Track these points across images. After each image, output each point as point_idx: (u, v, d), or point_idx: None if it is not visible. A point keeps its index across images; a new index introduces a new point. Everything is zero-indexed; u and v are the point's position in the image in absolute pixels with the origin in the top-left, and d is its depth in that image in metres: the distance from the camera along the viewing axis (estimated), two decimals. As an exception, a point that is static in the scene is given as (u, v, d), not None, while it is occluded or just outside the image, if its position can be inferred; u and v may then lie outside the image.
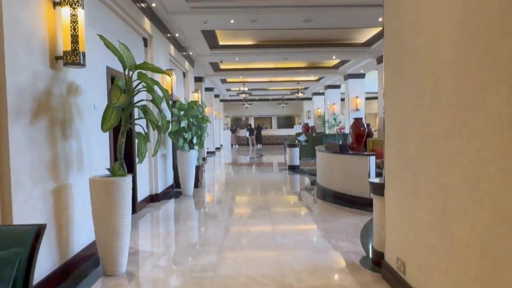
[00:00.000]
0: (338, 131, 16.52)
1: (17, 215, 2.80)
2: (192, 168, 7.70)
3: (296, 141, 15.10)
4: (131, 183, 3.55)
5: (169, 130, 7.22)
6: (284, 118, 30.69)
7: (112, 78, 5.05)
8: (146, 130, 3.76)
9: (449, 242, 2.25)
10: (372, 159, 6.24)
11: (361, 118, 10.92)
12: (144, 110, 3.69)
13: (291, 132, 25.54)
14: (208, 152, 16.97)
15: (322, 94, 20.59)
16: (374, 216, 3.75)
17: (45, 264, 3.16)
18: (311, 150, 14.11)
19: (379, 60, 11.60)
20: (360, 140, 10.79)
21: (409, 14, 2.77)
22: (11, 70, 2.77)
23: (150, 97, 3.80)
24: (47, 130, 3.23)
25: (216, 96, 21.42)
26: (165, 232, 5.35)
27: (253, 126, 27.42)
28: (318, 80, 18.13)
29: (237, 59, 12.07)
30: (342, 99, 17.76)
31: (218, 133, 21.44)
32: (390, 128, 3.22)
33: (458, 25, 2.12)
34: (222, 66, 13.90)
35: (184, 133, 7.53)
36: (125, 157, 4.44)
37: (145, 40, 6.84)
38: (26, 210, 2.92)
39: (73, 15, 3.28)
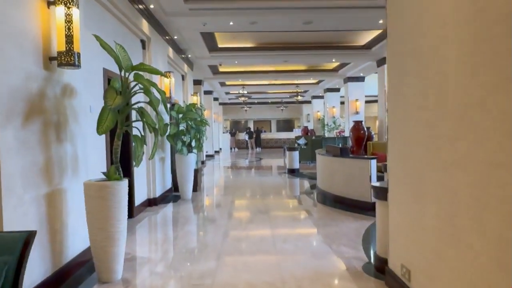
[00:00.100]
0: (338, 134, 16.44)
1: (7, 221, 2.69)
2: (190, 172, 7.60)
3: (296, 144, 15.02)
4: (127, 188, 3.45)
5: (167, 133, 7.13)
6: (283, 122, 30.61)
7: (109, 80, 4.96)
8: (142, 133, 3.66)
9: (457, 249, 2.15)
10: (374, 162, 6.15)
11: (361, 121, 10.85)
12: (141, 112, 3.60)
13: (291, 135, 25.48)
14: (207, 156, 16.87)
15: (322, 97, 20.52)
16: (377, 221, 3.66)
17: (37, 271, 3.05)
18: (310, 153, 14.03)
19: (379, 63, 11.54)
20: (360, 143, 10.73)
21: (413, 14, 2.69)
22: (2, 70, 2.67)
23: (148, 99, 3.70)
24: (40, 133, 3.13)
25: (215, 99, 21.36)
26: (163, 237, 5.24)
27: (252, 130, 27.34)
28: (318, 83, 18.07)
29: (236, 62, 11.99)
30: (342, 102, 17.70)
31: (217, 136, 21.36)
32: (394, 130, 3.13)
33: (465, 24, 2.04)
34: (221, 69, 13.83)
35: (182, 136, 7.43)
36: (122, 161, 4.35)
37: (143, 42, 6.76)
38: (17, 216, 2.82)
39: (67, 14, 3.19)
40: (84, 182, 3.39)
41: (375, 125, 21.79)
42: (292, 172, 11.55)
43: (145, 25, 6.51)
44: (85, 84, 4.05)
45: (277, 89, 20.80)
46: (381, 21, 7.79)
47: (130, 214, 5.77)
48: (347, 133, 14.82)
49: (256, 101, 25.80)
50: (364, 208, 6.08)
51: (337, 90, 18.14)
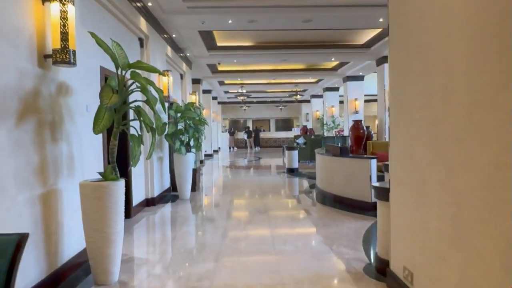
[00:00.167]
0: (337, 133, 16.39)
1: (0, 223, 2.62)
2: (189, 171, 7.53)
3: (295, 144, 14.97)
4: (123, 188, 3.39)
5: (165, 132, 7.06)
6: (282, 121, 30.54)
7: (106, 78, 4.89)
8: (139, 132, 3.59)
9: (462, 252, 2.09)
10: (374, 162, 6.09)
11: (361, 121, 10.80)
12: (138, 111, 3.53)
13: (290, 134, 25.42)
14: (206, 155, 16.81)
15: (321, 96, 20.46)
16: (378, 222, 3.60)
17: (32, 273, 2.99)
18: (309, 152, 13.97)
19: (379, 62, 11.48)
20: (359, 142, 10.68)
21: (417, 10, 2.62)
22: (-6, 68, 2.61)
23: (145, 98, 3.64)
24: (35, 132, 3.06)
25: (214, 98, 21.29)
26: (161, 237, 5.17)
27: (251, 129, 27.28)
28: (317, 82, 18.01)
29: (235, 61, 11.92)
30: (341, 102, 17.63)
31: (216, 135, 21.28)
32: (396, 130, 3.07)
33: (471, 20, 1.98)
34: (220, 68, 13.76)
35: (181, 136, 7.36)
36: (119, 160, 4.28)
37: (141, 40, 6.68)
38: (11, 217, 2.75)
39: (62, 11, 3.11)
40: (80, 182, 3.32)
41: (374, 124, 21.76)
42: (291, 171, 11.49)
43: (143, 23, 6.43)
44: (81, 83, 3.98)
45: (276, 88, 20.74)
46: (381, 20, 7.73)
47: (128, 214, 5.72)
48: (346, 133, 14.77)
49: (255, 100, 25.73)
50: (364, 208, 6.03)
51: (336, 89, 18.08)
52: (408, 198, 2.81)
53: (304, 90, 20.98)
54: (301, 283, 3.34)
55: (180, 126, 7.43)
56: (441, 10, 2.28)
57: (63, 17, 3.12)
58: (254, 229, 5.37)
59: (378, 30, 9.22)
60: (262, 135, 27.48)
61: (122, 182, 3.36)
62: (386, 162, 6.23)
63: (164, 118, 7.37)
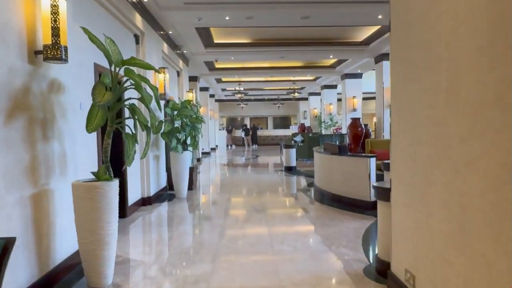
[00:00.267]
0: (335, 131, 16.32)
1: (-12, 225, 2.53)
2: (185, 170, 7.44)
3: (292, 142, 14.88)
4: (117, 188, 3.29)
5: (162, 131, 6.96)
6: (280, 119, 30.46)
7: (100, 75, 4.78)
8: (133, 131, 3.49)
9: (468, 257, 2.01)
10: (373, 161, 6.02)
11: (359, 119, 10.70)
12: (132, 109, 3.43)
13: (287, 132, 25.34)
14: (203, 153, 16.70)
15: (319, 94, 20.39)
16: (379, 223, 3.52)
17: (22, 277, 2.89)
18: (307, 150, 13.89)
19: (377, 59, 11.40)
20: (357, 140, 10.58)
21: (420, 5, 2.53)
22: (-19, 64, 2.50)
23: (139, 96, 3.53)
24: (25, 130, 2.96)
25: (211, 96, 21.16)
26: (157, 238, 5.08)
27: (248, 127, 27.17)
28: (315, 80, 17.92)
29: (232, 58, 11.81)
30: (339, 99, 17.56)
31: (213, 133, 21.18)
32: (398, 129, 2.98)
33: (479, 14, 1.89)
34: (217, 65, 13.64)
35: (177, 134, 7.26)
36: (115, 159, 4.19)
37: (136, 37, 6.56)
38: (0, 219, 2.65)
39: (53, 5, 3.01)
40: (72, 182, 3.23)
41: (371, 122, 21.71)
42: (289, 169, 11.41)
43: (138, 19, 6.32)
44: (75, 80, 3.87)
45: (273, 86, 20.65)
46: (380, 16, 7.64)
47: (123, 214, 5.62)
48: (344, 130, 14.69)
49: (252, 98, 25.64)
50: (363, 207, 5.96)
51: (334, 87, 17.99)
52: (411, 199, 2.73)
53: (302, 88, 20.90)
54: (300, 285, 3.27)
55: (177, 124, 7.33)
56: (446, 3, 2.20)
57: (54, 12, 3.02)
58: (251, 229, 5.29)
59: (377, 27, 9.14)
60: (260, 133, 27.39)
61: (115, 182, 3.26)
62: (386, 161, 6.15)
63: (160, 116, 7.27)
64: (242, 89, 18.53)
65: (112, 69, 3.32)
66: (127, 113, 4.91)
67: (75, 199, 3.17)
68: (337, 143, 11.89)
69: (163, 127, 6.93)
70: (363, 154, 7.42)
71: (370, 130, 12.11)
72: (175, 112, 7.25)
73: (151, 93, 3.58)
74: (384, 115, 11.35)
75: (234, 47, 10.52)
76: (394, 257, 3.06)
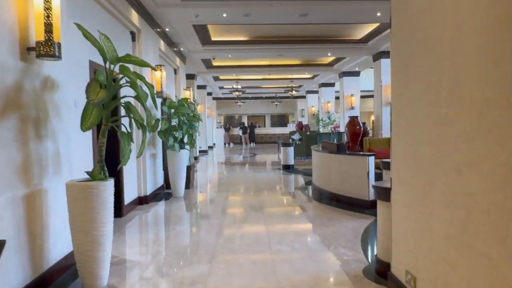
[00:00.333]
0: (333, 129, 16.29)
1: (-22, 227, 2.46)
2: (183, 169, 7.37)
3: (290, 140, 14.84)
4: (112, 188, 3.22)
5: (158, 129, 6.89)
6: (277, 117, 30.40)
7: (95, 73, 4.70)
8: (129, 130, 3.42)
9: (472, 259, 1.96)
10: (372, 159, 5.97)
11: (357, 117, 10.68)
12: (127, 107, 3.36)
13: (285, 130, 25.32)
14: (200, 151, 16.63)
15: (316, 92, 20.33)
16: (378, 223, 3.47)
17: (14, 279, 2.82)
18: (305, 149, 13.86)
19: (376, 57, 11.34)
20: (355, 139, 10.56)
21: (422, 0, 2.47)
22: (-29, 61, 2.43)
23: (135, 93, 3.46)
24: (17, 129, 2.88)
25: (209, 94, 21.08)
26: (154, 237, 5.02)
27: (246, 125, 27.11)
28: (313, 78, 17.86)
29: (230, 56, 11.72)
30: (337, 98, 17.51)
31: (210, 131, 21.10)
32: (398, 128, 2.93)
33: (486, 9, 1.83)
34: (214, 63, 13.56)
35: (174, 132, 7.19)
36: (111, 158, 4.12)
37: (133, 34, 6.48)
38: (-9, 220, 2.58)
39: (46, 1, 2.94)
40: (66, 182, 3.16)
41: (369, 120, 21.69)
42: (287, 168, 11.36)
43: (134, 16, 6.23)
44: (69, 77, 3.80)
45: (271, 84, 20.58)
46: (378, 14, 7.58)
47: (120, 213, 5.56)
48: (342, 129, 14.65)
49: (250, 96, 25.56)
50: (362, 206, 5.92)
51: (332, 85, 17.94)
52: (412, 199, 2.68)
53: (300, 86, 20.85)
54: (299, 287, 3.21)
55: (174, 122, 7.26)
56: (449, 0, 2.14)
57: (47, 8, 2.94)
58: (249, 229, 5.23)
59: (375, 25, 9.08)
60: (257, 131, 27.33)
61: (110, 182, 3.19)
62: (384, 160, 6.11)
63: (157, 114, 7.19)
64: (239, 87, 18.46)
65: (107, 66, 3.25)
66: (123, 111, 4.85)
67: (69, 199, 3.10)
68: (335, 141, 11.85)
69: (160, 126, 6.86)
70: (362, 153, 7.37)
71: (368, 129, 12.07)
72: (172, 110, 7.18)
73: (147, 91, 3.52)
74: (382, 113, 11.31)
75: (232, 44, 10.44)
76: (394, 258, 3.01)
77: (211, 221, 5.67)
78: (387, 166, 5.34)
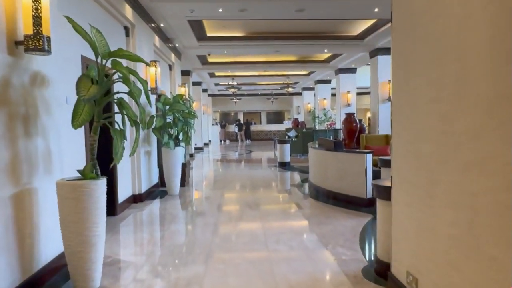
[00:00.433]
0: (329, 126, 16.23)
1: (-37, 228, 2.35)
2: (178, 166, 7.26)
3: (286, 137, 14.76)
4: (105, 187, 3.12)
5: (153, 126, 6.78)
6: (273, 113, 30.30)
7: (87, 68, 4.58)
8: (121, 127, 3.32)
9: (478, 262, 1.89)
10: (369, 157, 5.90)
11: (354, 114, 10.62)
12: (120, 103, 3.25)
13: (281, 127, 25.23)
14: (196, 148, 16.52)
15: (312, 89, 20.27)
16: (378, 222, 3.40)
17: (2, 281, 2.72)
18: (301, 146, 13.78)
19: (372, 54, 11.28)
20: (352, 136, 10.50)
21: (425, -7, 2.39)
22: (-46, 55, 2.31)
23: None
24: (5, 126, 2.77)
25: (204, 90, 20.93)
26: (148, 237, 4.92)
27: (242, 122, 26.99)
28: (309, 74, 17.78)
29: (225, 52, 11.60)
30: (333, 94, 17.46)
31: (206, 128, 20.98)
32: (399, 125, 2.85)
33: (493, 1, 1.75)
34: (210, 59, 13.43)
35: (169, 129, 7.09)
36: (104, 156, 4.01)
37: (126, 29, 6.35)
38: (-24, 221, 2.48)
39: (35, -7, 2.82)
40: (57, 181, 3.05)
41: (365, 117, 21.67)
42: (283, 165, 11.28)
43: (128, 10, 6.11)
44: (60, 73, 3.68)
45: (267, 81, 20.48)
46: (376, 9, 7.50)
47: (113, 212, 5.46)
48: (338, 126, 14.60)
49: (246, 92, 25.44)
50: (359, 204, 5.86)
51: (328, 81, 17.88)
52: (413, 198, 2.60)
53: (296, 83, 20.76)
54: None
55: (169, 119, 7.15)
56: (455, -8, 2.05)
57: (36, 0, 2.82)
58: (245, 228, 5.15)
59: (372, 21, 9.01)
60: (253, 128, 27.25)
61: (103, 181, 3.09)
62: (382, 157, 6.05)
63: (152, 111, 7.08)
64: (235, 83, 18.34)
65: (99, 61, 3.14)
66: (116, 108, 4.74)
67: (59, 198, 3.00)
68: (331, 138, 11.79)
69: (154, 123, 6.75)
70: (360, 150, 7.31)
71: (365, 126, 12.02)
72: (167, 107, 7.07)
73: (141, 87, 3.41)
74: (379, 110, 11.26)
75: (228, 40, 10.32)
76: (395, 258, 2.94)
77: (206, 219, 5.58)
78: (385, 163, 5.28)
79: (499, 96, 1.71)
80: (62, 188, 2.97)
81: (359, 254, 3.88)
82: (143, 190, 6.61)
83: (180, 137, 7.43)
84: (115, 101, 3.34)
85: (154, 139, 7.41)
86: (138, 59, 3.31)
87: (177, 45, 10.18)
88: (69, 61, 4.18)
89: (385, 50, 10.63)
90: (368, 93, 12.41)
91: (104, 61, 3.15)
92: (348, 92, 14.53)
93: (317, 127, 17.27)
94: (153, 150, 7.37)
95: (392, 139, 2.99)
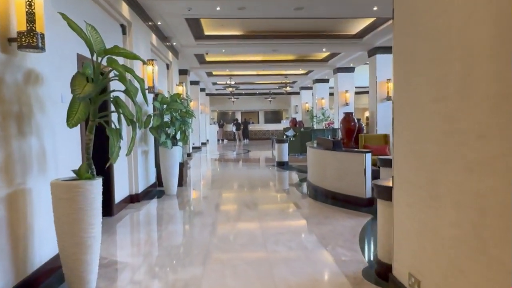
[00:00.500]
0: (327, 126, 16.18)
1: (-46, 230, 2.29)
2: (175, 166, 7.20)
3: (284, 136, 14.70)
4: (100, 187, 3.06)
5: (150, 125, 6.71)
6: (271, 113, 30.23)
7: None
8: (117, 126, 3.25)
9: (484, 264, 1.84)
10: (369, 156, 5.85)
11: (352, 113, 10.56)
12: (116, 102, 3.19)
13: (279, 127, 25.17)
14: (193, 148, 16.44)
15: (310, 88, 20.21)
16: (379, 223, 3.35)
17: (-5, 285, 2.66)
18: (299, 145, 13.74)
19: (371, 53, 11.23)
20: (350, 135, 10.44)
21: (428, -11, 2.34)
22: None
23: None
24: (-3, 125, 2.71)
25: (202, 90, 20.85)
26: (145, 237, 4.86)
27: (240, 121, 26.92)
28: (307, 73, 17.73)
29: (223, 51, 11.53)
30: (331, 94, 17.41)
31: (204, 128, 20.91)
32: (401, 125, 2.79)
33: (500, -4, 1.70)
34: (208, 59, 13.35)
35: (167, 128, 7.02)
36: (101, 156, 3.94)
37: (123, 27, 6.28)
38: (-32, 223, 2.41)
39: (28, -11, 2.75)
40: (51, 181, 2.98)
41: (363, 116, 21.64)
42: (281, 165, 11.23)
43: (125, 8, 6.03)
44: (55, 71, 3.62)
45: (265, 80, 20.42)
46: (375, 8, 7.46)
47: (110, 212, 5.39)
48: (336, 125, 14.55)
49: (243, 92, 25.37)
50: (358, 204, 5.81)
51: (326, 81, 17.84)
52: (415, 199, 2.55)
53: (294, 82, 20.70)
54: (296, 290, 3.09)
55: (166, 118, 7.08)
56: (460, -13, 2.00)
57: (29, -5, 2.76)
58: (244, 228, 5.09)
59: (371, 20, 8.96)
60: (251, 127, 27.18)
61: (98, 181, 3.02)
62: (382, 156, 6.01)
63: (149, 110, 7.02)
64: (233, 83, 18.27)
65: (94, 59, 3.08)
66: (113, 107, 4.67)
67: (54, 199, 2.93)
68: (330, 137, 11.74)
69: (151, 122, 6.68)
70: (359, 150, 7.27)
71: (363, 125, 11.97)
72: (164, 106, 7.00)
73: (137, 85, 3.34)
74: (377, 109, 11.21)
75: (225, 39, 10.25)
76: (396, 259, 2.89)
77: (204, 219, 5.52)
78: (385, 163, 5.24)
79: (505, 94, 1.66)
80: (57, 188, 2.90)
81: (359, 255, 3.83)
82: (140, 190, 6.54)
83: (178, 136, 7.36)
84: (111, 99, 3.27)
85: (151, 138, 7.34)
86: (135, 57, 3.25)
87: (174, 43, 10.11)
88: (64, 59, 4.11)
89: (384, 49, 10.59)
90: (366, 92, 12.39)
91: (99, 58, 3.08)
92: (346, 91, 14.49)
93: (315, 127, 17.22)
94: (150, 149, 7.30)
95: (393, 139, 2.94)
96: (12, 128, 2.88)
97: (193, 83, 16.88)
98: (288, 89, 19.83)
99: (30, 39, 2.78)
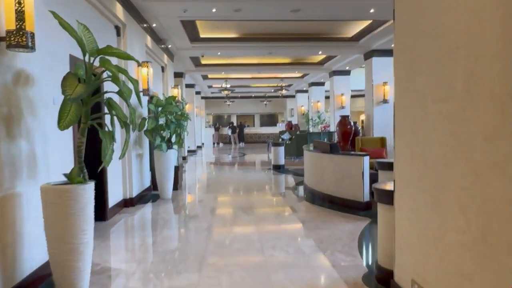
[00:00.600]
0: (323, 129, 16.14)
1: None
2: (170, 169, 7.09)
3: (280, 139, 14.64)
4: (93, 192, 2.96)
5: (145, 128, 6.61)
6: (267, 116, 30.20)
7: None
8: (110, 128, 3.16)
9: (493, 272, 1.77)
10: (367, 159, 5.79)
11: (348, 116, 10.54)
12: (109, 103, 3.10)
13: (274, 130, 25.15)
14: (189, 151, 16.32)
15: (306, 91, 20.19)
16: (379, 227, 3.27)
17: (-18, 294, 2.55)
18: (295, 148, 13.68)
19: (367, 56, 11.20)
20: (347, 138, 10.42)
21: (431, -13, 2.27)
22: None
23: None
24: (-15, 127, 2.61)
25: (198, 93, 20.75)
26: (139, 243, 4.74)
27: (235, 124, 26.84)
28: (302, 77, 17.70)
29: (219, 53, 11.45)
30: (327, 97, 17.38)
31: (199, 131, 20.80)
32: (402, 126, 2.73)
33: (509, -7, 1.63)
34: (203, 61, 13.27)
35: (162, 131, 6.92)
36: (94, 159, 3.84)
37: (117, 28, 6.18)
38: (-48, 230, 2.30)
39: (18, -14, 2.66)
40: (41, 186, 2.88)
41: (359, 119, 21.64)
42: (277, 168, 11.14)
43: (119, 9, 5.94)
44: (47, 72, 3.52)
45: (261, 83, 20.36)
46: (372, 10, 7.41)
47: (103, 217, 5.27)
48: (332, 128, 14.51)
49: (239, 95, 25.30)
50: (356, 208, 5.74)
51: (322, 84, 17.81)
52: (419, 203, 2.48)
53: (289, 85, 20.66)
54: (295, 297, 3.00)
55: (161, 121, 6.98)
56: (465, -16, 1.94)
57: (19, -7, 2.66)
58: (240, 233, 5.00)
59: (367, 22, 8.92)
60: (247, 130, 27.11)
61: (90, 185, 2.93)
62: (380, 160, 5.95)
63: (143, 112, 6.92)
64: (228, 86, 18.20)
65: (86, 59, 2.98)
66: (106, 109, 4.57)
67: (44, 204, 2.83)
68: (326, 140, 11.69)
69: (146, 124, 6.58)
70: (357, 153, 7.20)
71: (359, 128, 11.94)
72: (159, 109, 6.90)
73: (132, 86, 3.25)
74: (374, 112, 11.17)
75: (221, 41, 10.17)
76: (398, 265, 2.81)
77: (200, 224, 5.42)
78: (383, 166, 5.17)
79: (518, 93, 1.59)
80: (47, 193, 2.80)
81: (359, 260, 3.75)
82: (134, 194, 6.43)
83: (173, 139, 7.27)
84: (104, 101, 3.18)
85: (146, 141, 7.23)
86: (128, 57, 3.16)
87: (169, 46, 10.01)
88: (56, 60, 4.00)
89: (380, 52, 10.56)
90: (362, 95, 12.35)
91: (92, 59, 2.99)
92: (342, 94, 14.46)
93: (311, 130, 17.18)
94: (145, 152, 7.19)
95: (395, 141, 2.87)
96: (0, 131, 2.77)
97: (189, 86, 16.79)
98: (284, 92, 19.79)
99: (20, 38, 2.68)
